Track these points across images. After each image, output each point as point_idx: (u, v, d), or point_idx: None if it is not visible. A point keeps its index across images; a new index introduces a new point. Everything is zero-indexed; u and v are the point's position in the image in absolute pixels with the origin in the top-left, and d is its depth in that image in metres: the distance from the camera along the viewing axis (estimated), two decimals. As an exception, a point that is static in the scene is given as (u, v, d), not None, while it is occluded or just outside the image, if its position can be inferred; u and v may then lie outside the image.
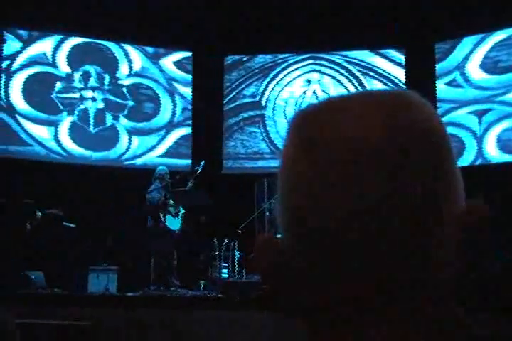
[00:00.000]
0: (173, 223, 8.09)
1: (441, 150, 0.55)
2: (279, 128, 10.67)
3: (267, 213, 8.34)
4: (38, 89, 10.16)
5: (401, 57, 10.58)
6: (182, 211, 8.19)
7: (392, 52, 10.63)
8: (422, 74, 10.23)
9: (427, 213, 0.52)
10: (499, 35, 9.73)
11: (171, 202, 8.14)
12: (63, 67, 10.38)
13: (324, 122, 0.56)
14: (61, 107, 10.25)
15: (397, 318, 0.53)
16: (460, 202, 0.56)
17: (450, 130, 10.45)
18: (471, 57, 9.91)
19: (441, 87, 10.09)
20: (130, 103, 10.67)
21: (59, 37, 10.38)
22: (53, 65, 10.32)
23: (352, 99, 0.58)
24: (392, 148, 0.52)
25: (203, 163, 8.28)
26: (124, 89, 10.68)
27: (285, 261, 0.56)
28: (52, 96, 10.20)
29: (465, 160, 9.61)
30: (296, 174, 0.55)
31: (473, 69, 9.88)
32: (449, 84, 10.06)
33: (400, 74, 10.53)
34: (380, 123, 0.53)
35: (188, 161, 10.56)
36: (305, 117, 0.59)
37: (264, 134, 10.80)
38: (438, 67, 10.14)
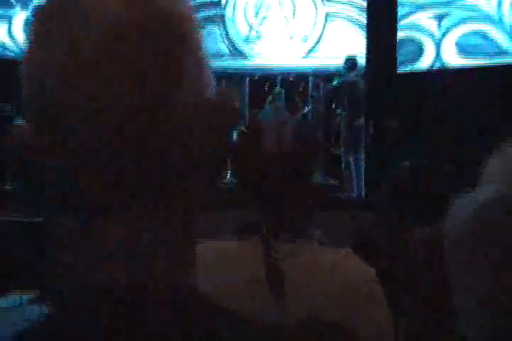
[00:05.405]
0: None
1: (188, 36, 0.54)
2: (239, 29, 10.46)
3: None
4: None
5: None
6: None
7: None
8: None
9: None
10: None
11: None
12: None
13: None
14: (13, 1, 9.86)
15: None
16: (207, 90, 0.55)
17: (409, 33, 10.28)
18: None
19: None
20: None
21: None
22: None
23: None
24: (139, 27, 0.51)
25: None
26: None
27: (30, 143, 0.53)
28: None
29: (423, 64, 9.66)
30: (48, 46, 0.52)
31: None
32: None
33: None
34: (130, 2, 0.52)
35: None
36: None
37: (223, 35, 10.56)
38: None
